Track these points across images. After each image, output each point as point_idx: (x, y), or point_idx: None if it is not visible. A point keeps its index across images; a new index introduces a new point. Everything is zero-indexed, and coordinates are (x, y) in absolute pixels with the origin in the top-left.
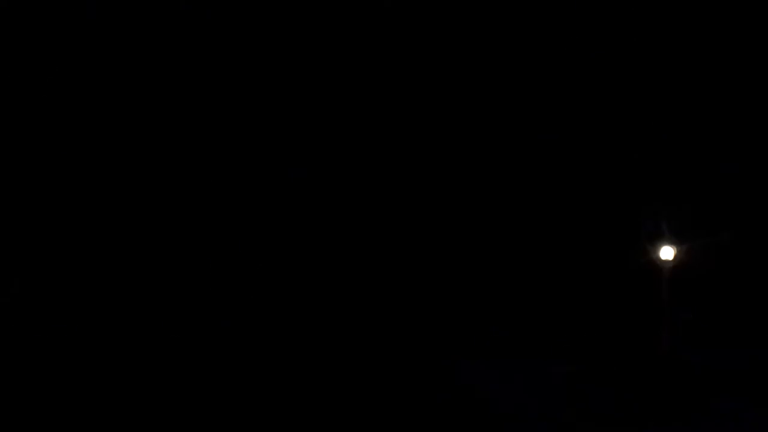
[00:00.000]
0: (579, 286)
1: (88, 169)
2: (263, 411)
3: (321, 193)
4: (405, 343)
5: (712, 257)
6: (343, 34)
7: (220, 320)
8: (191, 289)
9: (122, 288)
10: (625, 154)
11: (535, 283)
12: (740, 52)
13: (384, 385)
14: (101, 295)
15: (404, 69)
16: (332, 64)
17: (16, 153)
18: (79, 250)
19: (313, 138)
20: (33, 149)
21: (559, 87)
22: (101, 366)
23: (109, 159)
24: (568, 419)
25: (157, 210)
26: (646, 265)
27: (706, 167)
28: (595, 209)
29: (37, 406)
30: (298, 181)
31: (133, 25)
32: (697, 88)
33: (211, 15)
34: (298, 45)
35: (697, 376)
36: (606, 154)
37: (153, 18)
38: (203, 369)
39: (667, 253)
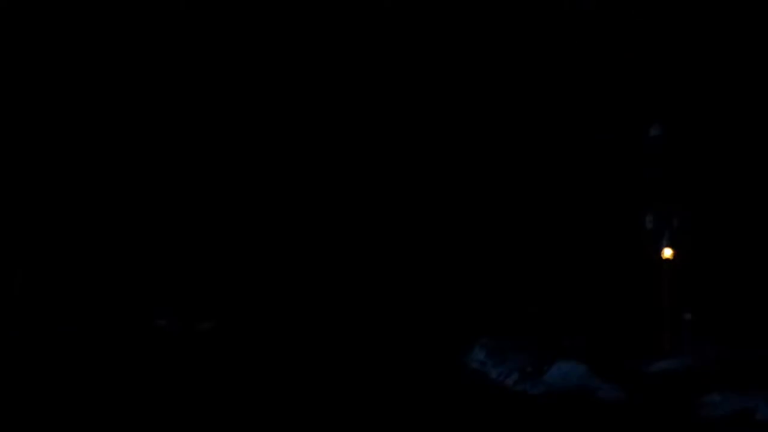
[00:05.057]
0: (577, 286)
1: (88, 169)
2: (266, 408)
3: (322, 193)
4: (410, 338)
5: (712, 257)
6: (343, 34)
7: (220, 320)
8: (191, 289)
9: (123, 288)
10: (624, 154)
11: (534, 282)
12: (740, 52)
13: (391, 378)
14: (101, 295)
15: (403, 69)
16: (332, 64)
17: (16, 153)
18: (79, 250)
19: (313, 138)
20: (33, 149)
21: (557, 86)
22: (101, 366)
23: (109, 159)
24: (569, 416)
25: (157, 210)
26: (646, 265)
27: (706, 167)
28: (595, 209)
29: (37, 406)
30: (299, 181)
31: (133, 25)
32: (697, 88)
33: (211, 15)
34: (298, 45)
35: (697, 376)
36: (606, 154)
37: (153, 18)
38: (203, 369)
39: (667, 253)
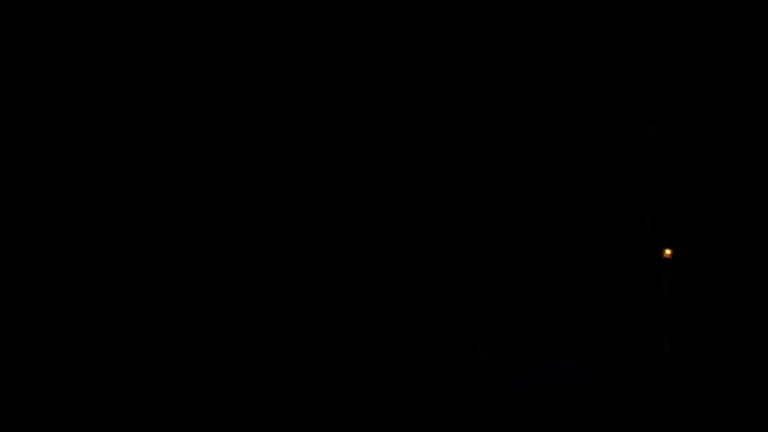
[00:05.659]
0: (577, 286)
1: (88, 169)
2: (268, 409)
3: (319, 191)
4: (409, 338)
5: (713, 257)
6: (343, 34)
7: (219, 320)
8: (191, 289)
9: (122, 285)
10: (624, 154)
11: (534, 282)
12: (740, 53)
13: (390, 378)
14: (101, 292)
15: (403, 69)
16: (332, 65)
17: (16, 153)
18: (79, 250)
19: (313, 138)
20: (33, 149)
21: (557, 86)
22: (102, 367)
23: (109, 159)
24: (569, 415)
25: (157, 210)
26: (646, 265)
27: (707, 166)
28: (594, 209)
29: (37, 406)
30: (299, 185)
31: (133, 25)
32: (697, 88)
33: (211, 15)
34: (298, 45)
35: (697, 377)
36: (606, 154)
37: (153, 18)
38: (203, 370)
39: (667, 253)
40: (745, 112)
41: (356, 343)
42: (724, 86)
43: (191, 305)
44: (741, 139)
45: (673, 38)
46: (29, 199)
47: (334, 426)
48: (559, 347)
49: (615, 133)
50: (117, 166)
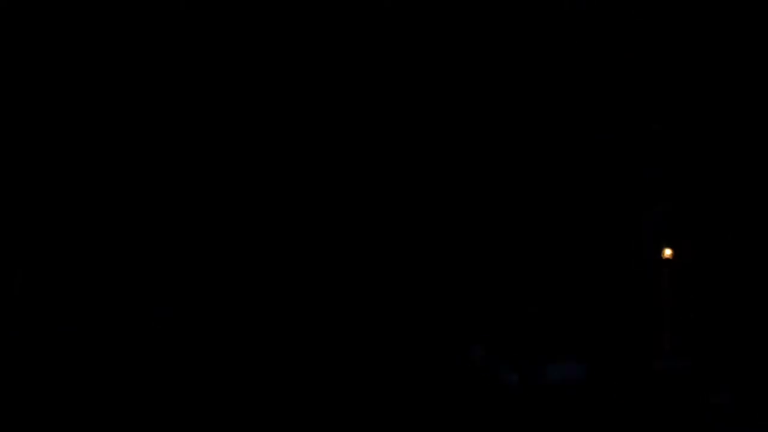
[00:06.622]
0: (577, 286)
1: (88, 169)
2: (269, 408)
3: (319, 191)
4: (409, 337)
5: (713, 257)
6: (343, 34)
7: (219, 320)
8: (191, 290)
9: (122, 285)
10: (624, 154)
11: (534, 282)
12: (741, 52)
13: (390, 377)
14: (101, 296)
15: (403, 69)
16: (332, 65)
17: (16, 153)
18: (79, 251)
19: (312, 138)
20: (33, 149)
21: (557, 86)
22: (102, 367)
23: (109, 159)
24: (569, 415)
25: (157, 210)
26: (646, 265)
27: (707, 166)
28: (595, 209)
29: (37, 406)
30: (299, 186)
31: (133, 25)
32: (698, 88)
33: (211, 15)
34: (298, 45)
35: (697, 377)
36: (606, 154)
37: (153, 17)
38: (203, 370)
39: (667, 253)
40: (746, 112)
41: (355, 343)
42: (725, 86)
43: (191, 305)
44: (741, 139)
45: (673, 38)
46: (29, 199)
47: (335, 423)
48: (558, 347)
49: (615, 133)
50: (117, 167)
